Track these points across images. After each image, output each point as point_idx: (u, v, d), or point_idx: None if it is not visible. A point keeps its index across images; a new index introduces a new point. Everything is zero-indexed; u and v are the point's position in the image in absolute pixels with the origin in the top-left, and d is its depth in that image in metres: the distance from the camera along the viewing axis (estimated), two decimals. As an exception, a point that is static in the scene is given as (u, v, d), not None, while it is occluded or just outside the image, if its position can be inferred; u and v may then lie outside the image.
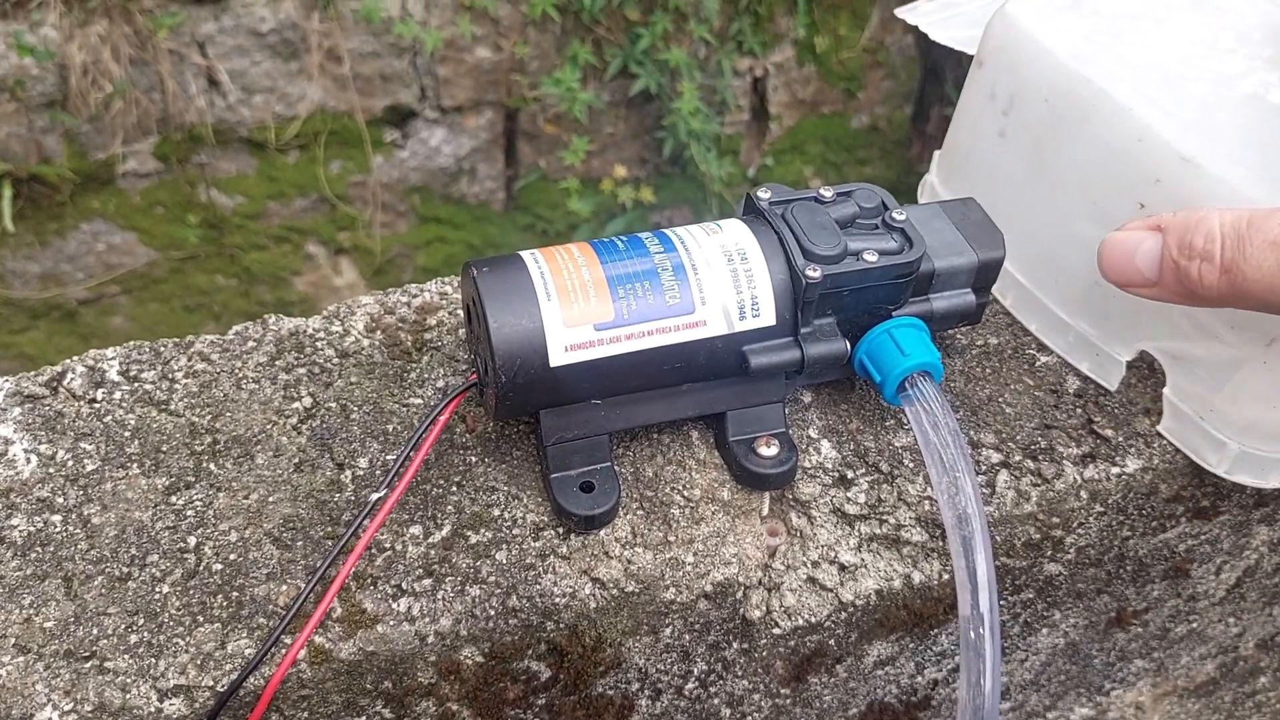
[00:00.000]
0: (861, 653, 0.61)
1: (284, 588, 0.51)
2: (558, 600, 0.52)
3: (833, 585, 0.56)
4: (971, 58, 0.66)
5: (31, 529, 0.52)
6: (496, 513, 0.54)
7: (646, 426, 0.58)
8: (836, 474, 0.58)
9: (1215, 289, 0.50)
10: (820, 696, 0.64)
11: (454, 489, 0.55)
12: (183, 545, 0.52)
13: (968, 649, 0.51)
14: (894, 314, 0.56)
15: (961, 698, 0.51)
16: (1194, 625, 0.75)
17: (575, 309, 0.51)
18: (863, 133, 2.90)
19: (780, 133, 2.79)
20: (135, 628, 0.49)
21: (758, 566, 0.56)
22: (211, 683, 0.48)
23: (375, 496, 0.52)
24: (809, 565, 0.56)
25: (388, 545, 0.53)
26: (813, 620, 0.56)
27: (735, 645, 0.58)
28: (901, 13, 0.74)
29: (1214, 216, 0.50)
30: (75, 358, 0.59)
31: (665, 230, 0.55)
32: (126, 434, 0.56)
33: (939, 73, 2.81)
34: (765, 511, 0.57)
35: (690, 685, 0.59)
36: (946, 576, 0.57)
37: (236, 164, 2.41)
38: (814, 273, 0.52)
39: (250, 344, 0.60)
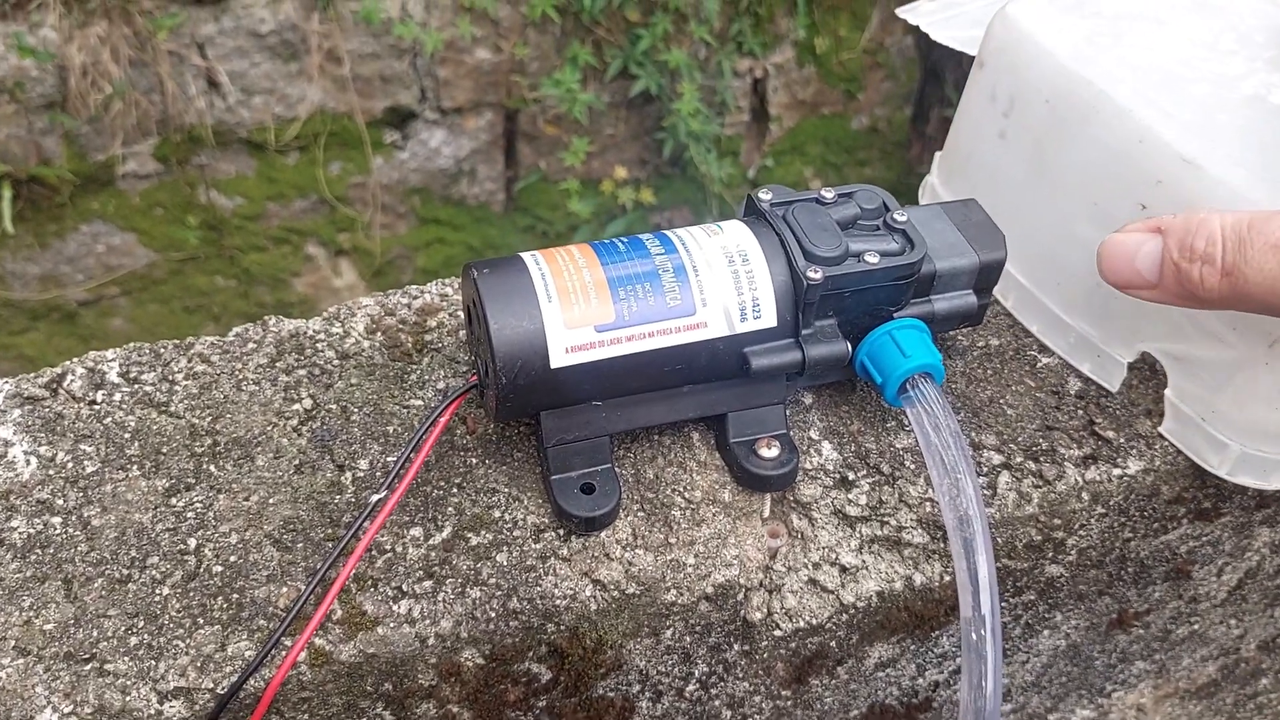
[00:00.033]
0: (862, 654, 0.61)
1: (284, 590, 0.51)
2: (558, 602, 0.52)
3: (834, 587, 0.56)
4: (972, 59, 0.66)
5: (31, 531, 0.52)
6: (497, 514, 0.54)
7: (647, 428, 0.57)
8: (838, 476, 0.58)
9: (1216, 291, 0.50)
10: (821, 698, 0.64)
11: (454, 491, 0.55)
12: (183, 547, 0.52)
13: (969, 651, 0.51)
14: (895, 315, 0.56)
15: (963, 700, 0.51)
16: (1195, 627, 0.75)
17: (576, 310, 0.51)
18: (863, 134, 2.90)
19: (780, 134, 2.79)
20: (135, 630, 0.49)
21: (759, 568, 0.55)
22: (212, 685, 0.48)
23: (376, 498, 0.51)
24: (810, 567, 0.56)
25: (388, 547, 0.53)
26: (814, 622, 0.56)
27: (736, 647, 0.58)
28: (902, 13, 0.73)
29: (1215, 219, 0.50)
30: (75, 359, 0.59)
31: (666, 231, 0.55)
32: (126, 436, 0.56)
33: (939, 74, 2.81)
34: (766, 513, 0.57)
35: (691, 687, 0.59)
36: (948, 578, 0.57)
37: (236, 165, 2.41)
38: (815, 274, 0.52)
39: (250, 346, 0.60)
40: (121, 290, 2.46)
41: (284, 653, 0.49)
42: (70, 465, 0.55)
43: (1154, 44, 0.60)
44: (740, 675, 0.60)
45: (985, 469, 0.58)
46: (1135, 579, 0.67)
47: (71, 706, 0.47)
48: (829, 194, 0.56)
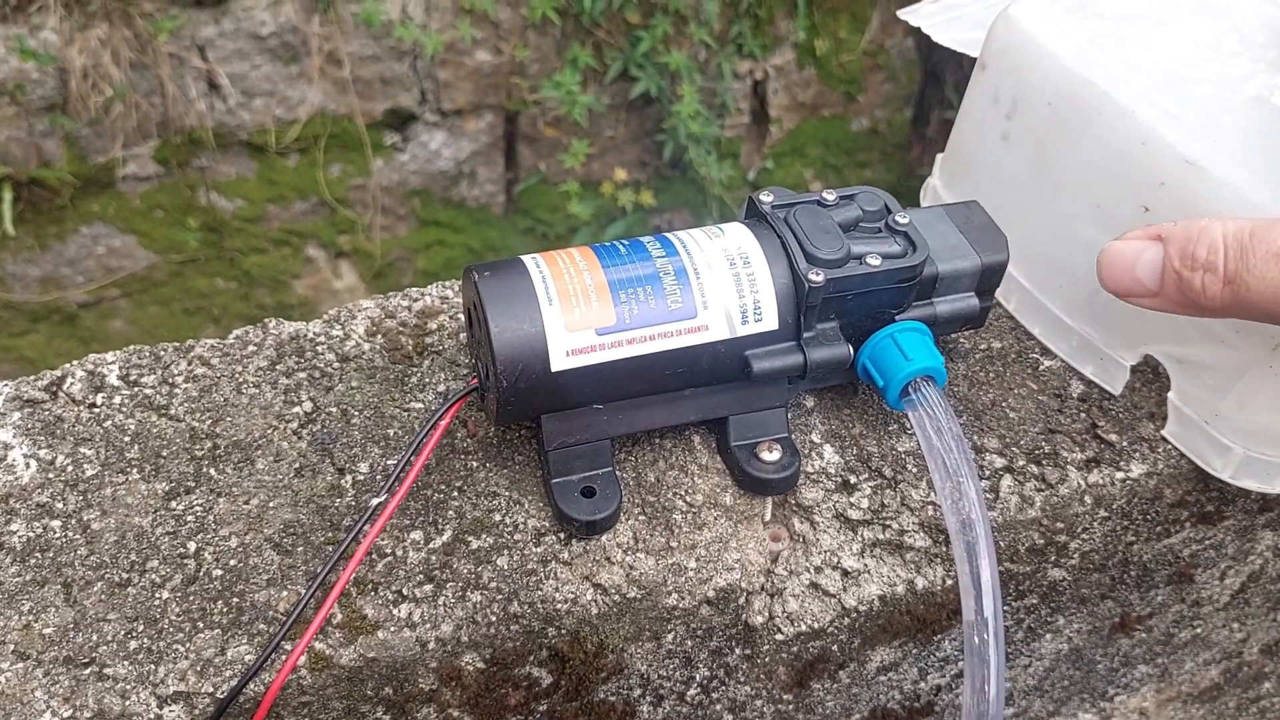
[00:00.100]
0: (864, 658, 0.61)
1: (284, 593, 0.51)
2: (559, 606, 0.52)
3: (835, 591, 0.56)
4: (974, 60, 0.66)
5: (31, 534, 0.52)
6: (498, 518, 0.54)
7: (648, 431, 0.57)
8: (839, 479, 0.57)
9: (1218, 300, 0.49)
10: (823, 702, 0.63)
11: (455, 494, 0.55)
12: (183, 551, 0.52)
13: (972, 655, 0.50)
14: (897, 318, 0.55)
15: (966, 703, 0.51)
16: (1198, 630, 0.75)
17: (577, 313, 0.50)
18: (863, 135, 2.90)
19: (780, 135, 2.79)
20: (135, 634, 0.49)
21: (760, 572, 0.55)
22: (211, 689, 0.48)
23: (376, 501, 0.51)
24: (812, 571, 0.56)
25: (388, 551, 0.53)
26: (815, 626, 0.56)
27: (738, 651, 0.57)
28: (904, 14, 0.73)
29: (1216, 227, 0.49)
30: (75, 362, 0.59)
31: (667, 234, 0.54)
32: (126, 439, 0.56)
33: (939, 76, 2.81)
34: (768, 517, 0.56)
35: (692, 691, 0.59)
36: (950, 582, 0.57)
37: (236, 167, 2.41)
38: (817, 277, 0.52)
39: (250, 348, 0.60)
40: (122, 292, 2.46)
41: (284, 657, 0.48)
42: (70, 468, 0.54)
43: (1157, 45, 0.60)
44: (742, 679, 0.59)
45: (988, 472, 0.58)
46: (1138, 582, 0.66)
47: (71, 711, 0.47)
48: (830, 196, 0.56)
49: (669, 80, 2.52)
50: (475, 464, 0.56)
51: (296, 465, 0.55)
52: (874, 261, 0.53)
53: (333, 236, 2.56)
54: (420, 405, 0.58)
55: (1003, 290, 0.63)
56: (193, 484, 0.54)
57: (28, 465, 0.54)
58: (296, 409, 0.57)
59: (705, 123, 2.53)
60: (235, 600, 0.50)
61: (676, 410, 0.55)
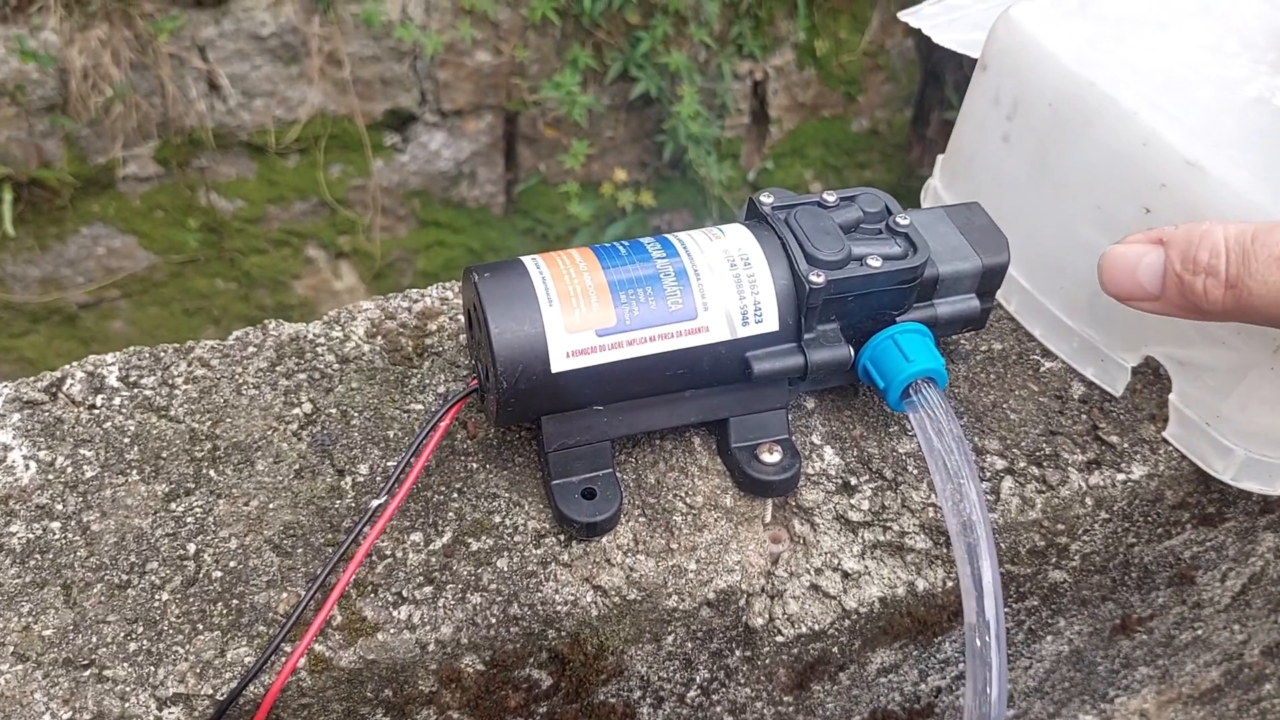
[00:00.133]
0: (865, 660, 0.61)
1: (284, 595, 0.51)
2: (559, 608, 0.52)
3: (836, 593, 0.56)
4: (974, 61, 0.65)
5: (30, 536, 0.52)
6: (498, 520, 0.54)
7: (649, 433, 0.57)
8: (840, 480, 0.57)
9: (1220, 304, 0.49)
10: (823, 704, 0.63)
11: (455, 495, 0.55)
12: (182, 552, 0.52)
13: (973, 657, 0.50)
14: (898, 319, 0.55)
15: (967, 706, 0.51)
16: (1199, 632, 0.74)
17: (577, 314, 0.50)
18: (863, 136, 2.90)
19: (780, 136, 2.79)
20: (134, 636, 0.49)
21: (760, 574, 0.55)
22: (211, 691, 0.48)
23: (376, 503, 0.51)
24: (812, 572, 0.56)
25: (388, 552, 0.52)
26: (816, 628, 0.56)
27: (738, 653, 0.57)
28: (904, 16, 0.73)
29: (1218, 230, 0.49)
30: (75, 363, 0.59)
31: (667, 235, 0.54)
32: (126, 440, 0.56)
33: (939, 76, 2.81)
34: (768, 518, 0.56)
35: (692, 693, 0.59)
36: (951, 584, 0.57)
37: (236, 168, 2.41)
38: (817, 278, 0.52)
39: (250, 349, 0.60)
40: (122, 293, 2.46)
41: (284, 659, 0.48)
42: (70, 470, 0.54)
43: (1157, 47, 0.60)
44: (742, 681, 0.59)
45: (988, 474, 0.58)
46: (1139, 584, 0.66)
47: (70, 713, 0.47)
48: (831, 197, 0.56)
49: (669, 81, 2.52)
50: (475, 465, 0.56)
51: (296, 467, 0.55)
52: (875, 263, 0.53)
53: (333, 237, 2.56)
54: (420, 407, 0.58)
55: (1003, 292, 0.63)
56: (192, 485, 0.54)
57: (27, 466, 0.54)
58: (296, 410, 0.57)
59: (705, 123, 2.53)
60: (235, 602, 0.50)
61: (677, 412, 0.55)
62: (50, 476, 0.54)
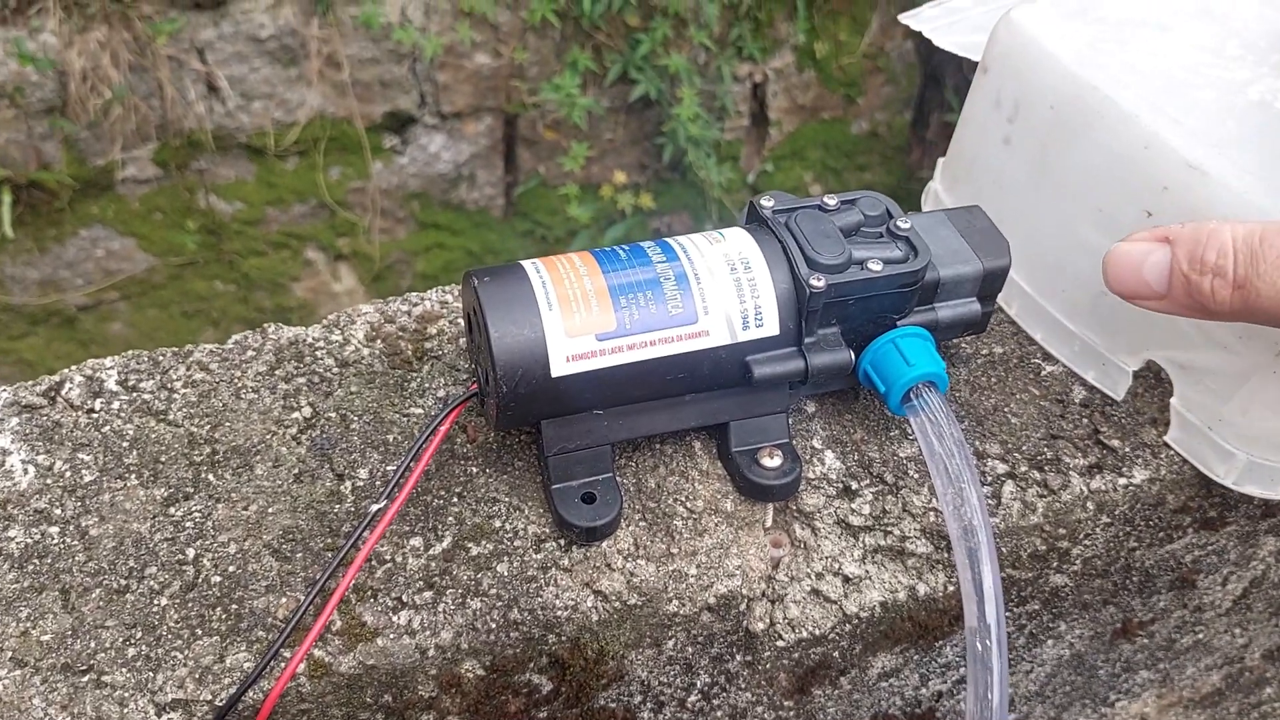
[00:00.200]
0: (866, 665, 0.61)
1: (283, 600, 0.50)
2: (559, 613, 0.52)
3: (837, 597, 0.56)
4: (975, 64, 0.65)
5: (29, 541, 0.52)
6: (498, 524, 0.54)
7: (649, 437, 0.57)
8: (840, 485, 0.57)
9: (1227, 305, 0.49)
10: (824, 709, 0.63)
11: (455, 500, 0.54)
12: (181, 557, 0.52)
13: (975, 661, 0.50)
14: (899, 323, 0.55)
15: (969, 710, 0.51)
16: (1200, 636, 0.74)
17: (577, 319, 0.50)
18: (863, 138, 2.90)
19: (780, 138, 2.79)
20: (133, 641, 0.49)
21: (761, 578, 0.55)
22: (210, 697, 0.48)
23: (375, 508, 0.51)
24: (813, 577, 0.56)
25: (388, 557, 0.52)
26: (817, 632, 0.56)
27: (738, 658, 0.57)
28: (905, 18, 0.73)
29: (1225, 230, 0.49)
30: (74, 367, 0.59)
31: (668, 239, 0.54)
32: (125, 444, 0.56)
33: (939, 78, 2.81)
34: (769, 523, 0.56)
35: (693, 698, 0.59)
36: (952, 588, 0.57)
37: (235, 170, 2.41)
38: (818, 282, 0.52)
39: (249, 353, 0.60)
40: (121, 295, 2.46)
41: (283, 664, 0.48)
42: (68, 474, 0.54)
43: (1159, 50, 0.60)
44: (743, 686, 0.59)
45: (989, 478, 0.58)
46: (1140, 588, 0.66)
47: (69, 718, 0.46)
48: (832, 201, 0.56)
49: (668, 83, 2.52)
50: (475, 470, 0.56)
51: (295, 471, 0.55)
52: (875, 267, 0.53)
53: (332, 239, 2.56)
54: (420, 410, 0.58)
55: (1004, 295, 0.63)
56: (191, 490, 0.54)
57: (26, 471, 0.54)
58: (295, 414, 0.57)
59: (705, 125, 2.53)
60: (234, 607, 0.50)
61: (677, 416, 0.55)
62: (49, 481, 0.54)
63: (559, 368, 0.50)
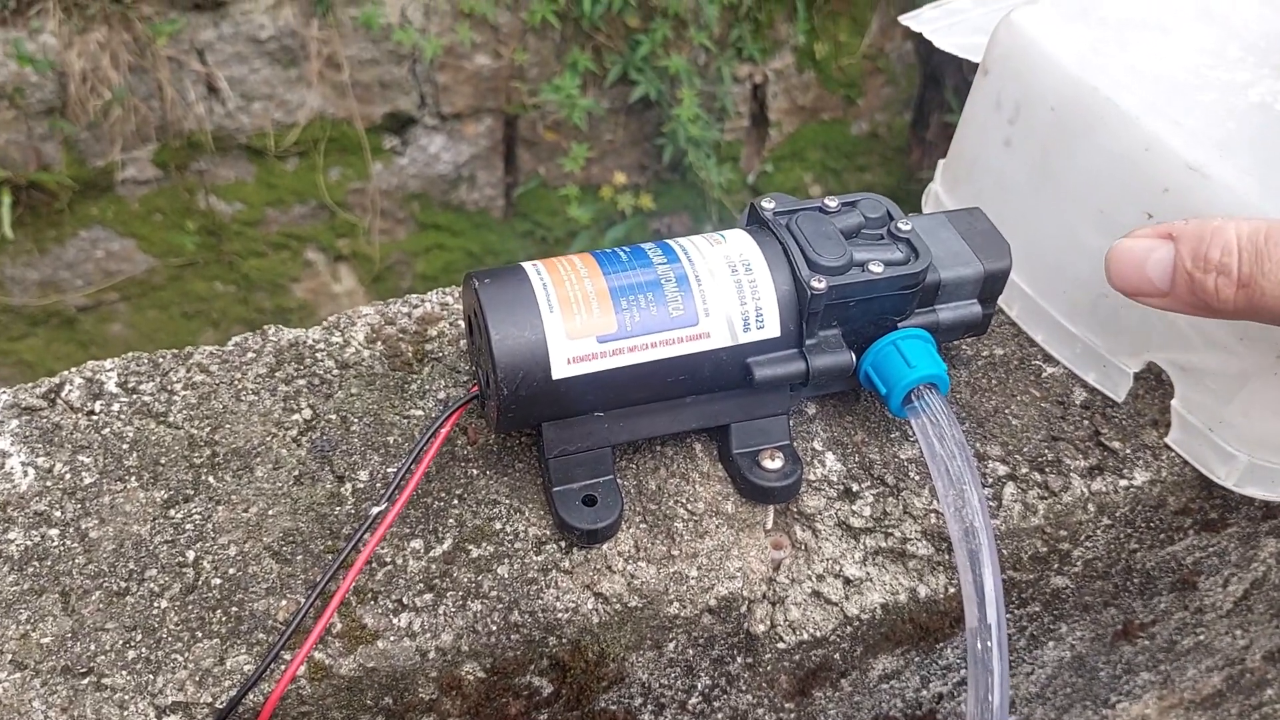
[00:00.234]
0: (866, 666, 0.61)
1: (284, 603, 0.50)
2: (560, 615, 0.51)
3: (838, 599, 0.56)
4: (974, 65, 0.65)
5: (29, 543, 0.52)
6: (498, 526, 0.54)
7: (649, 439, 0.57)
8: (841, 487, 0.57)
9: (1231, 303, 0.48)
10: (825, 711, 0.63)
11: (455, 502, 0.54)
12: (181, 559, 0.51)
13: (975, 663, 0.50)
14: (900, 325, 0.55)
15: (969, 712, 0.51)
16: (1201, 638, 0.74)
17: (578, 321, 0.50)
18: (863, 139, 2.90)
19: (780, 139, 2.79)
20: (133, 643, 0.49)
21: (762, 580, 0.55)
22: (210, 699, 0.48)
23: (376, 510, 0.51)
24: (814, 579, 0.56)
25: (388, 559, 0.52)
26: (817, 634, 0.56)
27: (739, 660, 0.57)
28: (905, 20, 0.73)
29: (1230, 227, 0.49)
30: (73, 369, 0.59)
31: (668, 241, 0.54)
32: (125, 446, 0.55)
33: (939, 79, 2.81)
34: (770, 525, 0.56)
35: (694, 700, 0.59)
36: (953, 590, 0.57)
37: (235, 171, 2.41)
38: (819, 284, 0.52)
39: (249, 355, 0.60)
40: (121, 296, 2.46)
41: (283, 667, 0.48)
42: (68, 476, 0.54)
43: (1160, 51, 0.60)
44: (743, 688, 0.59)
45: (990, 480, 0.58)
46: (1141, 590, 0.66)
47: (68, 721, 0.46)
48: (832, 203, 0.56)
49: (668, 84, 2.52)
50: (476, 472, 0.56)
51: (296, 473, 0.55)
52: (876, 268, 0.53)
53: (332, 240, 2.56)
54: (420, 412, 0.58)
55: (1005, 297, 0.63)
56: (191, 492, 0.54)
57: (25, 473, 0.54)
58: (296, 416, 0.57)
59: (705, 126, 2.53)
60: (234, 609, 0.50)
61: (678, 418, 0.55)
62: (48, 483, 0.54)
63: (560, 370, 0.50)
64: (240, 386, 0.58)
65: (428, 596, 0.51)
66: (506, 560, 0.53)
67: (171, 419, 0.57)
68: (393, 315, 0.62)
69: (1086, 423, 0.61)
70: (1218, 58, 0.59)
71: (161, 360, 0.59)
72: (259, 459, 0.55)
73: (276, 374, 0.59)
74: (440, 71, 2.40)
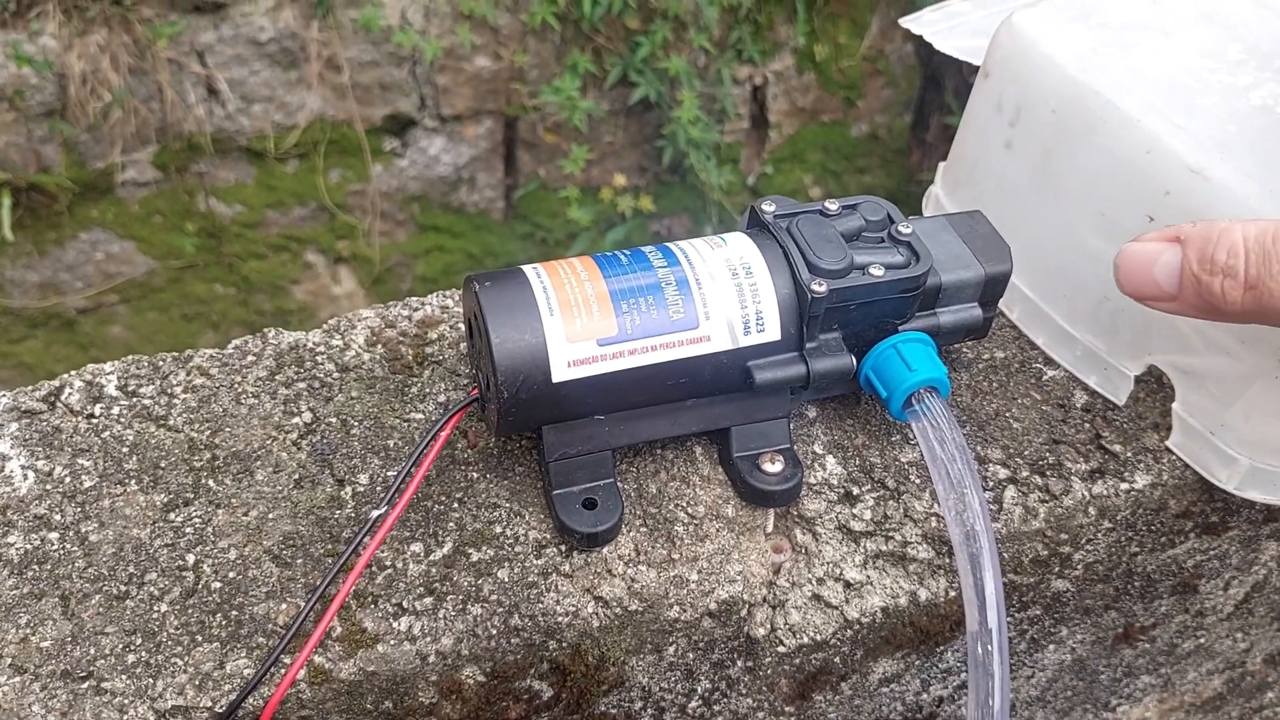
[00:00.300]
0: (867, 670, 0.61)
1: (283, 606, 0.50)
2: (560, 619, 0.51)
3: (838, 603, 0.56)
4: (974, 67, 0.65)
5: (28, 547, 0.52)
6: (498, 530, 0.54)
7: (650, 442, 0.57)
8: (842, 490, 0.57)
9: (1239, 305, 0.48)
10: (825, 714, 0.63)
11: (455, 506, 0.54)
12: (181, 563, 0.51)
13: (976, 666, 0.50)
14: (900, 328, 0.55)
15: (970, 715, 0.51)
16: (1202, 641, 0.74)
17: (578, 324, 0.50)
18: (862, 141, 2.90)
19: (780, 141, 2.79)
20: (133, 647, 0.49)
21: (762, 584, 0.55)
22: (210, 703, 0.47)
23: (376, 513, 0.51)
24: (814, 582, 0.56)
25: (388, 563, 0.52)
26: (818, 638, 0.56)
27: (740, 663, 0.57)
28: (905, 22, 0.73)
29: (1237, 229, 0.48)
30: (73, 372, 0.59)
31: (669, 244, 0.54)
32: (125, 450, 0.55)
33: (939, 81, 2.81)
34: (770, 528, 0.56)
35: (694, 704, 0.59)
36: (953, 593, 0.57)
37: (235, 173, 2.41)
38: (820, 287, 0.52)
39: (250, 358, 0.60)
40: (120, 298, 2.46)
41: (283, 671, 0.48)
42: (68, 480, 0.54)
43: (1161, 54, 0.59)
44: (744, 691, 0.59)
45: (991, 483, 0.58)
46: (1141, 593, 0.66)
47: (68, 726, 0.46)
48: (833, 206, 0.56)
49: (668, 86, 2.52)
50: (476, 475, 0.56)
51: (296, 476, 0.55)
52: (877, 272, 0.53)
53: (332, 242, 2.56)
54: (420, 416, 0.58)
55: (1006, 300, 0.63)
56: (191, 495, 0.54)
57: (25, 476, 0.54)
58: (296, 419, 0.57)
59: (705, 128, 2.53)
60: (234, 613, 0.50)
61: (678, 421, 0.55)
62: (48, 486, 0.54)
63: (560, 373, 0.50)
64: (240, 390, 0.58)
65: (428, 600, 0.51)
66: (507, 564, 0.52)
67: (171, 422, 0.57)
68: (393, 318, 0.62)
69: (1087, 426, 0.61)
70: (1219, 60, 0.59)
71: (161, 363, 0.59)
72: (259, 462, 0.55)
73: (276, 377, 0.59)
74: (440, 73, 2.40)
